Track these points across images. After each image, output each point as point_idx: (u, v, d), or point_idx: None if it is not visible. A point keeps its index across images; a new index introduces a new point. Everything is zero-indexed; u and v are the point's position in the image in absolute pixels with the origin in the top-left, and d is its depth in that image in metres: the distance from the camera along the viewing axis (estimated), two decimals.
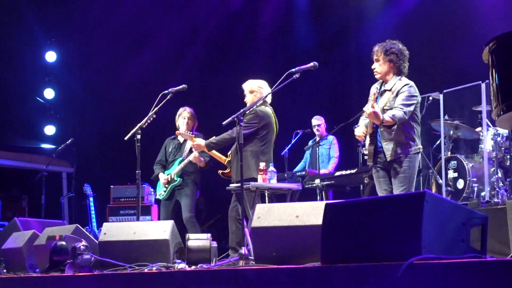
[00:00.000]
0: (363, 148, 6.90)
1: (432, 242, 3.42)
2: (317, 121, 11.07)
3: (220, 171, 8.33)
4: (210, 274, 4.38)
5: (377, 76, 6.87)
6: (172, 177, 8.90)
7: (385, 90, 6.76)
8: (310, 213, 5.31)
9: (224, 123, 6.72)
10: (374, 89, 6.97)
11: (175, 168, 8.92)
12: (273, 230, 5.38)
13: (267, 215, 5.50)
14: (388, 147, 6.63)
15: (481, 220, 3.73)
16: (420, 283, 3.23)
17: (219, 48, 13.43)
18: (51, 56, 13.93)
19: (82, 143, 12.81)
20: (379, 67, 6.83)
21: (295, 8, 13.63)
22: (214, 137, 8.13)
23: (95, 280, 5.20)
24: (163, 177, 8.99)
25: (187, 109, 9.17)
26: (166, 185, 8.93)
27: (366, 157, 6.87)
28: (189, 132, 8.73)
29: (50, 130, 14.06)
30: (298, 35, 13.42)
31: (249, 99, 8.06)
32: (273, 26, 13.43)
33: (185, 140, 9.07)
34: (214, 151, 8.36)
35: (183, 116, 9.15)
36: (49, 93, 14.02)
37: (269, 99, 8.15)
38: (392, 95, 6.66)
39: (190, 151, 8.84)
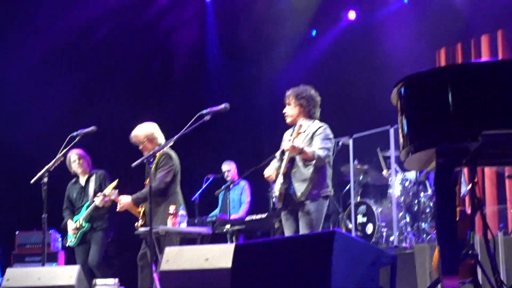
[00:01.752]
0: (273, 191, 6.89)
1: (342, 282, 3.40)
2: (227, 167, 11.01)
3: (136, 224, 7.95)
4: None
5: (288, 120, 6.91)
6: (81, 223, 8.65)
7: (299, 133, 6.79)
8: (220, 255, 5.24)
9: (133, 164, 6.62)
10: (287, 135, 7.00)
11: (83, 214, 8.69)
12: (182, 273, 5.29)
13: (177, 258, 5.41)
14: (300, 188, 6.63)
15: (390, 259, 3.73)
16: None
17: (131, 89, 13.30)
18: None
19: None
20: (290, 110, 6.89)
21: (208, 54, 13.71)
22: (138, 192, 7.88)
23: None
24: (71, 225, 8.73)
25: (73, 152, 8.79)
26: (75, 232, 8.68)
27: (274, 199, 6.86)
28: (112, 190, 8.24)
29: None
30: (211, 80, 13.47)
31: (149, 147, 7.80)
32: (187, 69, 13.43)
33: (87, 182, 8.84)
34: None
35: (72, 160, 8.89)
36: None
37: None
38: (308, 136, 6.70)
39: (95, 194, 8.60)
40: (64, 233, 9.23)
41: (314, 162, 6.57)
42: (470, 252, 5.06)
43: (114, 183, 8.31)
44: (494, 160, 4.67)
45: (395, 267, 3.81)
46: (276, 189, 6.73)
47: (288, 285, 3.53)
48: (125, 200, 7.85)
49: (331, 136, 6.81)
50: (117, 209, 8.02)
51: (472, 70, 4.05)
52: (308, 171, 6.64)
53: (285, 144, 6.58)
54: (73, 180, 9.02)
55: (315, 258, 3.46)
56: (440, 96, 4.01)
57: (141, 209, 7.91)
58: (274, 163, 7.03)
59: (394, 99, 4.39)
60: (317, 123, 6.83)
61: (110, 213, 8.75)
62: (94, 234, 8.70)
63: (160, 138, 7.93)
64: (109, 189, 8.18)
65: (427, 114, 4.09)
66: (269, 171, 6.88)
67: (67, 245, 8.83)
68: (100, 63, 13.06)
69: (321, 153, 6.56)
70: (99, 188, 8.67)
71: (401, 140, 4.31)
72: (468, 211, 5.13)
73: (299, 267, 3.52)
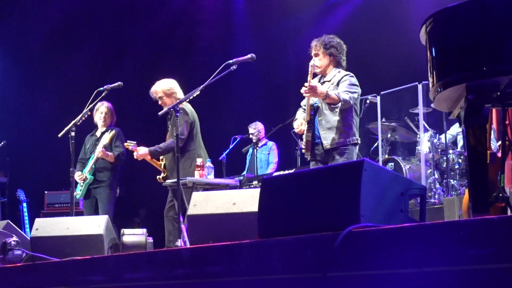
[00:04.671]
0: (301, 142, 6.81)
1: (371, 212, 3.35)
2: (254, 127, 10.96)
3: (158, 177, 7.99)
4: (144, 257, 4.25)
5: (317, 71, 6.76)
6: (86, 175, 8.53)
7: (324, 82, 6.70)
8: (248, 200, 5.24)
9: (160, 113, 6.61)
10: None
11: (88, 166, 8.59)
12: (209, 217, 5.29)
13: (204, 203, 5.40)
14: (326, 136, 6.53)
15: (419, 191, 3.69)
16: (359, 251, 3.14)
17: (158, 50, 13.31)
18: None
19: (15, 151, 12.49)
20: (319, 61, 6.73)
21: (234, 16, 13.66)
22: (159, 144, 7.89)
23: (25, 271, 5.01)
24: (77, 175, 8.50)
25: (104, 104, 8.76)
26: (81, 184, 8.61)
27: (303, 150, 6.77)
28: (132, 142, 8.27)
29: None
30: (237, 41, 13.43)
31: (168, 101, 7.82)
32: (212, 32, 13.42)
33: (101, 136, 8.67)
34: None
35: (100, 111, 8.78)
36: None
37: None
38: (332, 85, 6.60)
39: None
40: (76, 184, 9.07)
41: (339, 105, 6.48)
42: (500, 195, 4.96)
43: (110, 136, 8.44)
44: None
45: (424, 199, 3.76)
46: (303, 137, 6.65)
47: (315, 216, 3.50)
48: (141, 152, 7.84)
49: (357, 84, 6.67)
50: (135, 157, 7.97)
51: (503, 1, 3.92)
52: (334, 118, 6.54)
53: (303, 88, 6.43)
54: (92, 132, 8.92)
55: (344, 187, 3.41)
56: (469, 30, 3.92)
57: (162, 162, 7.94)
58: (300, 114, 6.91)
59: (422, 37, 4.32)
60: (343, 72, 6.73)
61: (115, 169, 8.62)
62: (99, 189, 8.53)
63: (179, 93, 7.93)
64: (130, 142, 8.11)
65: (456, 50, 4.01)
66: (298, 123, 6.76)
67: (75, 196, 8.72)
68: (126, 23, 13.10)
69: (346, 96, 6.41)
70: (109, 144, 8.57)
71: (429, 80, 4.23)
72: (499, 154, 5.04)
73: (327, 197, 3.48)
